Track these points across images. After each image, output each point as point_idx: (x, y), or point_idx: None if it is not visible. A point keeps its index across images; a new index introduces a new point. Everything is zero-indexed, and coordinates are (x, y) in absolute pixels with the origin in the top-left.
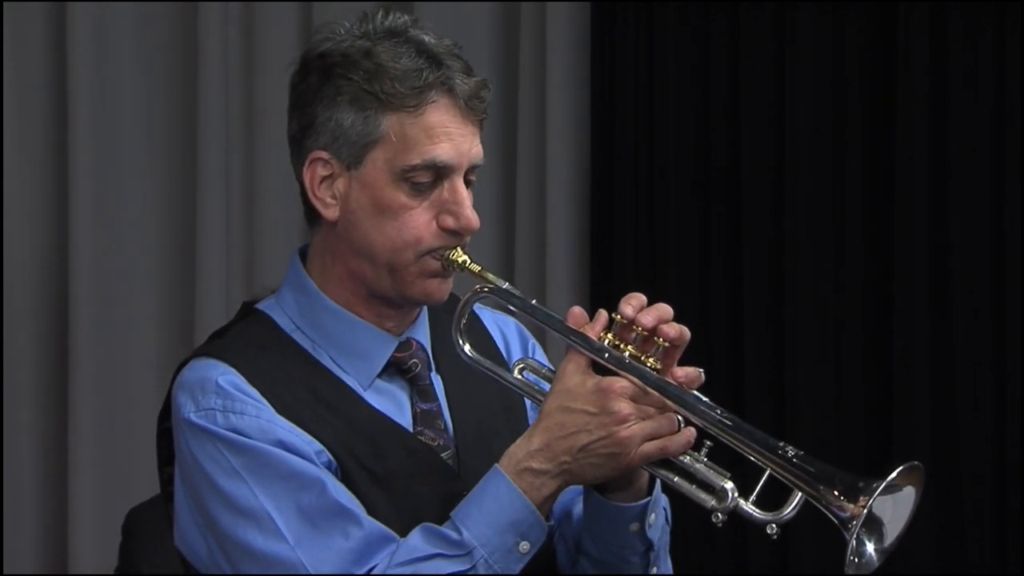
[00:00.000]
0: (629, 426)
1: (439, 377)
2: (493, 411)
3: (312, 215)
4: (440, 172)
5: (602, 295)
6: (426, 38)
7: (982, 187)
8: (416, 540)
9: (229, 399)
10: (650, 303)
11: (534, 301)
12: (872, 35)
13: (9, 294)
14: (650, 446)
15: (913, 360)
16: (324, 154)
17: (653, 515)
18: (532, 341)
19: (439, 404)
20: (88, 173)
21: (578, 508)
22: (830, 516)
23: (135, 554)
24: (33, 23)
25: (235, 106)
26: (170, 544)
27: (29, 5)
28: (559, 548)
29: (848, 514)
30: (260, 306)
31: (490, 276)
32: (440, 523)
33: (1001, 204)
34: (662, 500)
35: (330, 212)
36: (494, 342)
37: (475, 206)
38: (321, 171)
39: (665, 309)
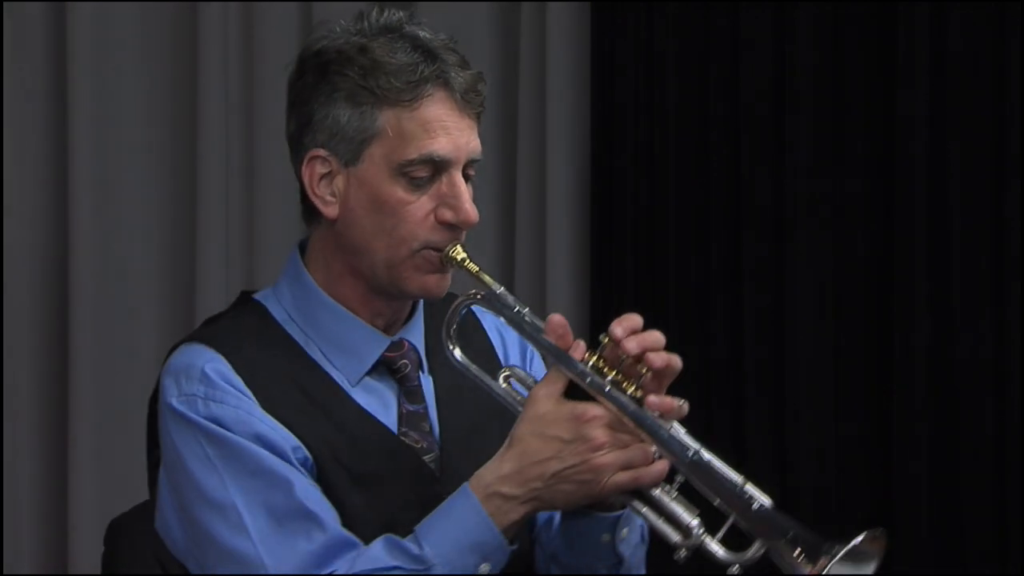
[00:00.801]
0: (603, 454)
1: (431, 378)
2: (484, 415)
3: (311, 214)
4: (438, 166)
5: (602, 295)
6: (421, 33)
7: (982, 187)
8: (378, 550)
9: (212, 387)
10: (650, 302)
11: (527, 310)
12: (872, 35)
13: (9, 294)
14: (622, 476)
15: (913, 360)
16: (322, 152)
17: (626, 530)
18: (531, 348)
19: (427, 406)
20: (88, 173)
21: (559, 516)
22: (787, 573)
23: (118, 565)
24: (33, 23)
25: (235, 106)
26: (152, 554)
27: (29, 5)
28: (537, 552)
29: (806, 574)
30: (257, 296)
31: (486, 278)
32: (415, 525)
33: (1001, 204)
34: (639, 518)
35: (330, 210)
36: (492, 346)
37: (475, 204)
38: (320, 169)
39: (655, 337)
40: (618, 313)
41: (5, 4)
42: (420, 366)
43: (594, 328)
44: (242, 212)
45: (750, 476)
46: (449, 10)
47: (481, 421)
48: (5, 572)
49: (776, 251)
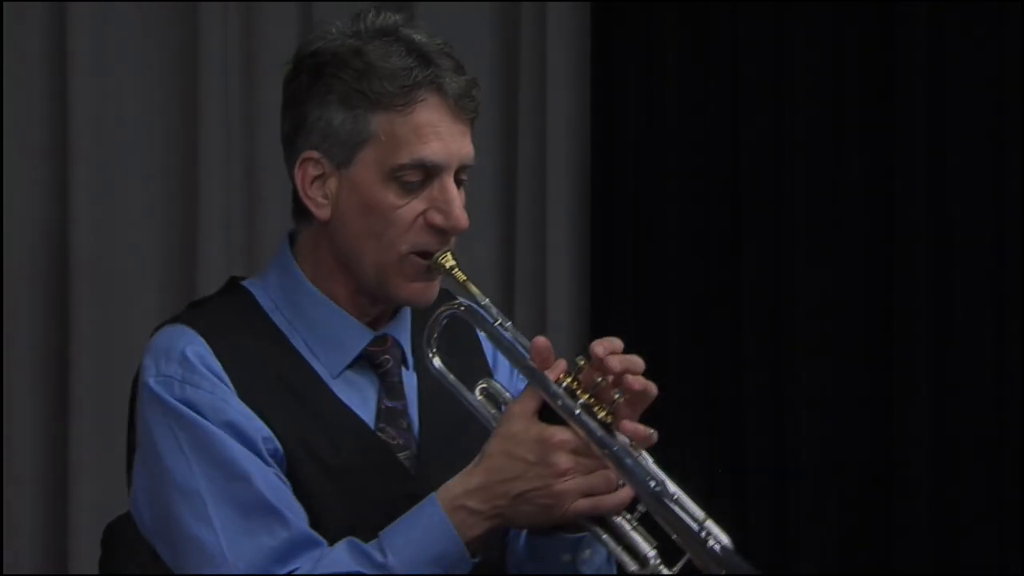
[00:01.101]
0: (565, 480)
1: (415, 375)
2: (465, 416)
3: (302, 213)
4: (430, 171)
5: (603, 294)
6: (416, 37)
7: (983, 188)
8: (341, 554)
9: (190, 370)
10: (650, 302)
11: (509, 324)
12: (872, 35)
13: (9, 294)
14: (583, 503)
15: (914, 360)
16: (315, 154)
17: (588, 551)
18: None
19: (407, 403)
20: (88, 173)
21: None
22: None
23: (115, 568)
24: (33, 23)
25: (235, 106)
26: (148, 557)
27: (29, 5)
28: (508, 556)
29: None
30: (245, 282)
31: (473, 289)
32: (387, 522)
33: (1002, 206)
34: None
35: (322, 212)
36: (483, 352)
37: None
38: (312, 171)
39: (635, 360)
40: (619, 312)
41: (5, 4)
42: (404, 362)
43: (593, 331)
44: (242, 211)
45: (749, 473)
46: (449, 10)
47: (462, 422)
48: (5, 572)
49: (776, 246)
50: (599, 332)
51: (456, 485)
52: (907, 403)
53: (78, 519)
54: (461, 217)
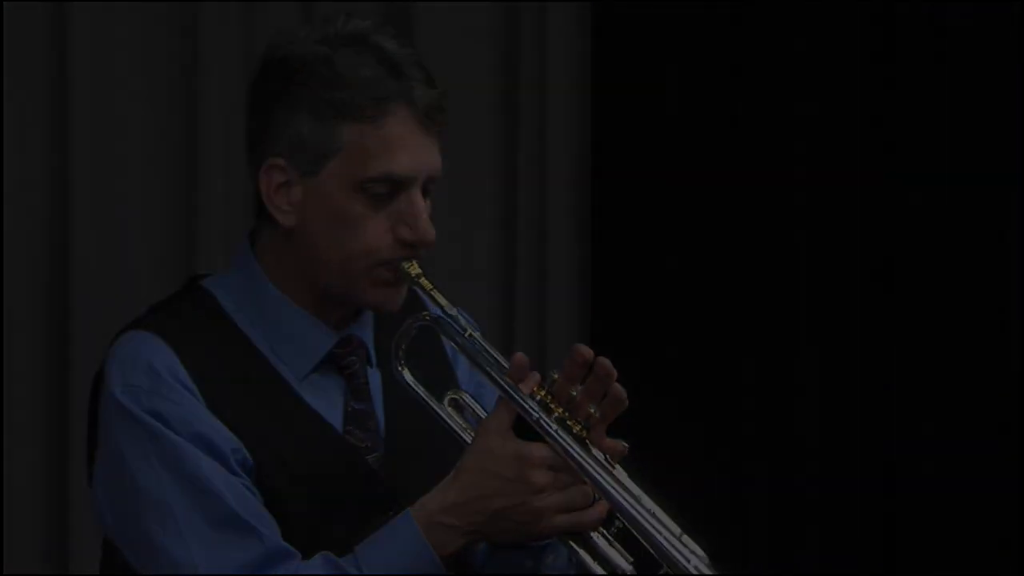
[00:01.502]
0: (544, 497)
1: (379, 373)
2: (431, 411)
3: (265, 217)
4: (398, 184)
5: (603, 294)
6: (387, 45)
7: (984, 188)
8: (316, 568)
9: (157, 381)
10: (651, 303)
11: (479, 334)
12: (874, 36)
13: (9, 293)
14: (562, 519)
15: (913, 361)
16: (280, 161)
17: (552, 557)
18: None
19: (373, 403)
20: (88, 173)
21: None
22: None
23: (115, 571)
24: (33, 23)
25: (235, 106)
26: None
27: (29, 5)
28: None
29: None
30: (205, 283)
31: (439, 298)
32: (355, 526)
33: (1002, 207)
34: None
35: (286, 219)
36: (448, 360)
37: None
38: (277, 177)
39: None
40: (619, 313)
41: (5, 4)
42: (368, 361)
43: (594, 332)
44: (243, 210)
45: (747, 467)
46: (449, 10)
47: (428, 421)
48: (5, 572)
49: (777, 251)
50: (599, 333)
51: (432, 501)
52: (907, 403)
53: (78, 519)
54: (429, 231)
